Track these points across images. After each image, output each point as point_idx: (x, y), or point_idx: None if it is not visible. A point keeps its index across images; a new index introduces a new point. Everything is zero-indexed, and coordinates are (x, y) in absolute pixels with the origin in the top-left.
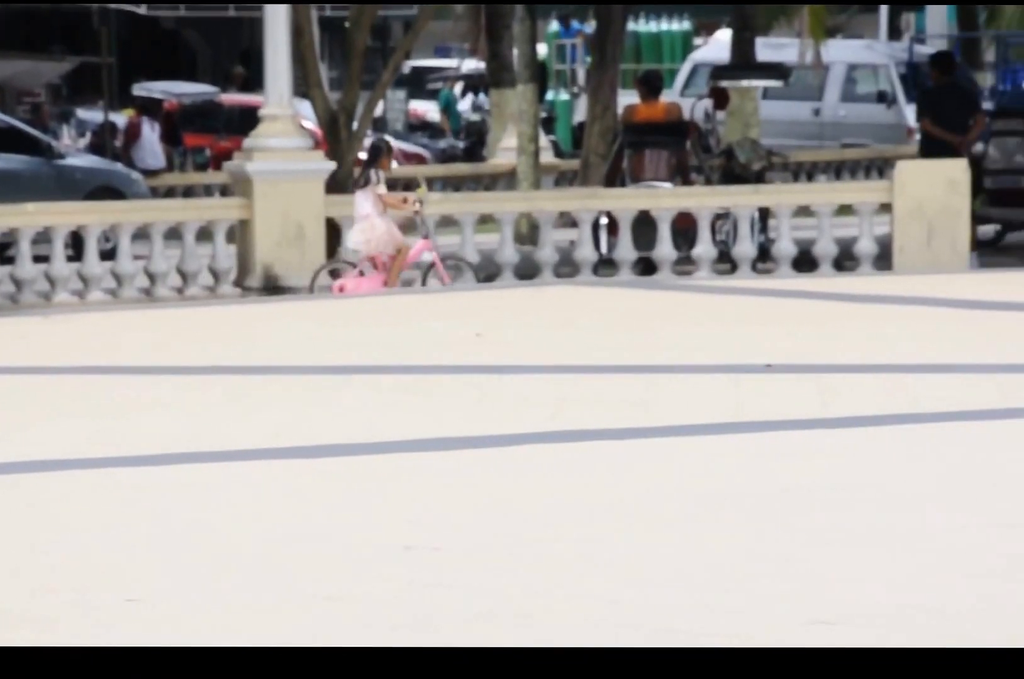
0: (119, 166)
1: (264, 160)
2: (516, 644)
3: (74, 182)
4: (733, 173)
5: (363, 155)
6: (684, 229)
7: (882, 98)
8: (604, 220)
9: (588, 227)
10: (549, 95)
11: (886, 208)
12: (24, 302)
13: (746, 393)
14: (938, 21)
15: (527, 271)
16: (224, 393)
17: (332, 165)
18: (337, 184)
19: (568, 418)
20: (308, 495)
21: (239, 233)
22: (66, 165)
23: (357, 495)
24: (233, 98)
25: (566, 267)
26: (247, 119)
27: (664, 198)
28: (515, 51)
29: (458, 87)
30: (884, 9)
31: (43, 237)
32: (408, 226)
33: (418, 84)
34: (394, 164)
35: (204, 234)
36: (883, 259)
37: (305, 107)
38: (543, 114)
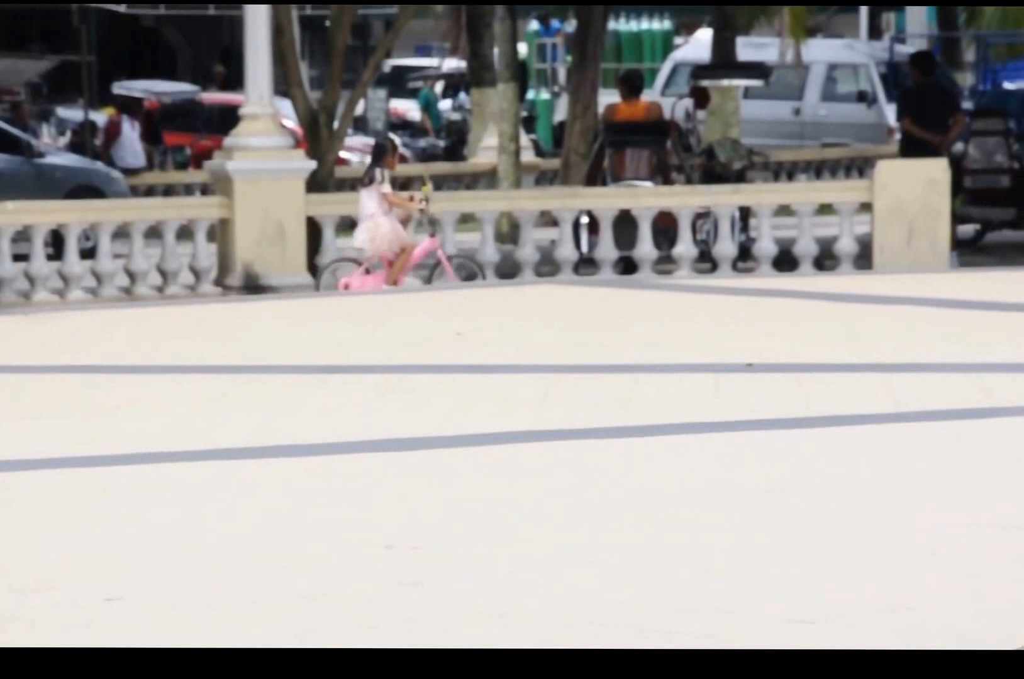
0: (99, 165)
1: (244, 159)
2: (497, 643)
3: (54, 181)
4: (714, 172)
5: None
6: (665, 228)
7: (862, 98)
8: (585, 219)
9: (569, 226)
10: (530, 94)
11: (866, 207)
12: (3, 301)
13: (727, 392)
14: (918, 21)
15: (508, 270)
16: (204, 392)
17: (312, 164)
18: (318, 183)
19: (549, 417)
20: (288, 494)
21: (219, 232)
22: (46, 164)
23: (337, 494)
24: (213, 97)
25: (547, 266)
26: (227, 118)
27: (645, 197)
28: (496, 50)
29: (439, 86)
30: (864, 9)
31: (23, 236)
32: (409, 224)
33: (399, 83)
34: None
35: (184, 233)
36: (863, 258)
37: (285, 106)
38: (524, 113)
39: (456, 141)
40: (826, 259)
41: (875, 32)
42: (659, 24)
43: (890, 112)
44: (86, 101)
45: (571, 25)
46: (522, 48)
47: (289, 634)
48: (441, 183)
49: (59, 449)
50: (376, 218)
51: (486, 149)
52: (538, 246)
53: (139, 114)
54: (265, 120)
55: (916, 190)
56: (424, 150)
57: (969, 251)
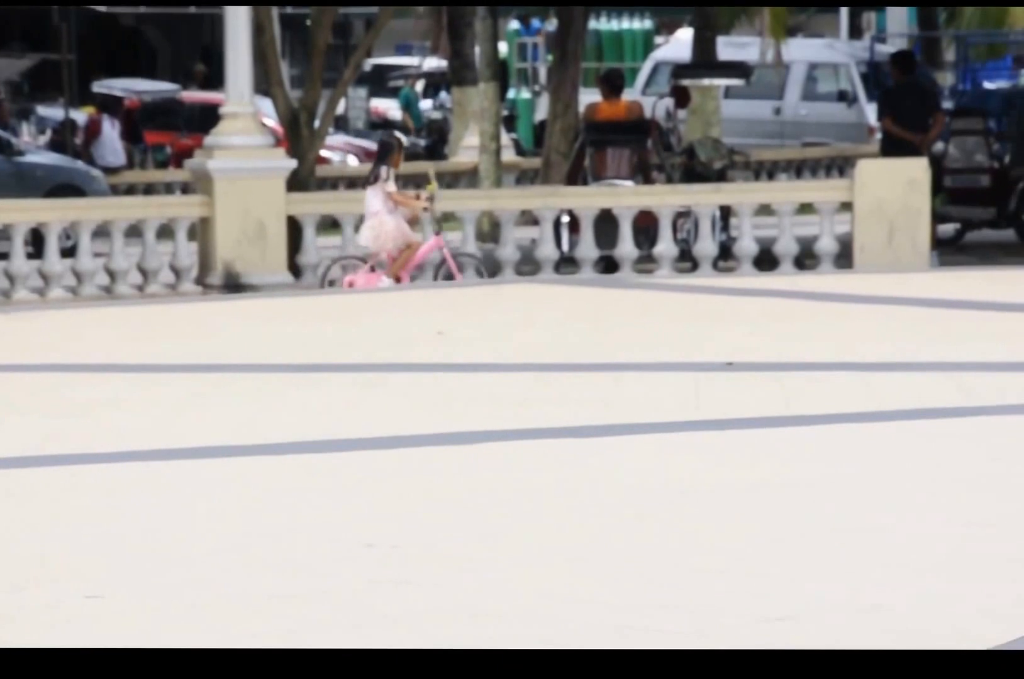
0: (79, 163)
1: (225, 158)
2: (479, 642)
3: (34, 179)
4: (694, 172)
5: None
6: (645, 227)
7: (843, 97)
8: (566, 218)
9: (549, 225)
10: (511, 93)
11: (847, 207)
12: None
13: (707, 391)
14: (898, 21)
15: (489, 269)
16: (185, 391)
17: (293, 163)
18: (298, 182)
19: (530, 416)
20: (269, 493)
21: (200, 231)
22: (26, 162)
23: (318, 493)
24: (194, 95)
25: (528, 265)
26: (208, 117)
27: (625, 196)
28: (476, 49)
29: (419, 85)
30: (845, 8)
31: (3, 234)
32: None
33: (379, 82)
34: (353, 160)
35: (165, 232)
36: (844, 257)
37: (266, 105)
38: (505, 112)
39: (437, 140)
40: (806, 258)
41: (855, 32)
42: (640, 24)
43: (870, 111)
44: (66, 100)
45: (552, 24)
46: (503, 47)
47: (270, 633)
48: (422, 182)
49: (38, 447)
50: (381, 216)
51: (467, 148)
52: (519, 245)
53: (119, 113)
54: (246, 119)
55: (896, 189)
56: (405, 149)
57: (949, 250)
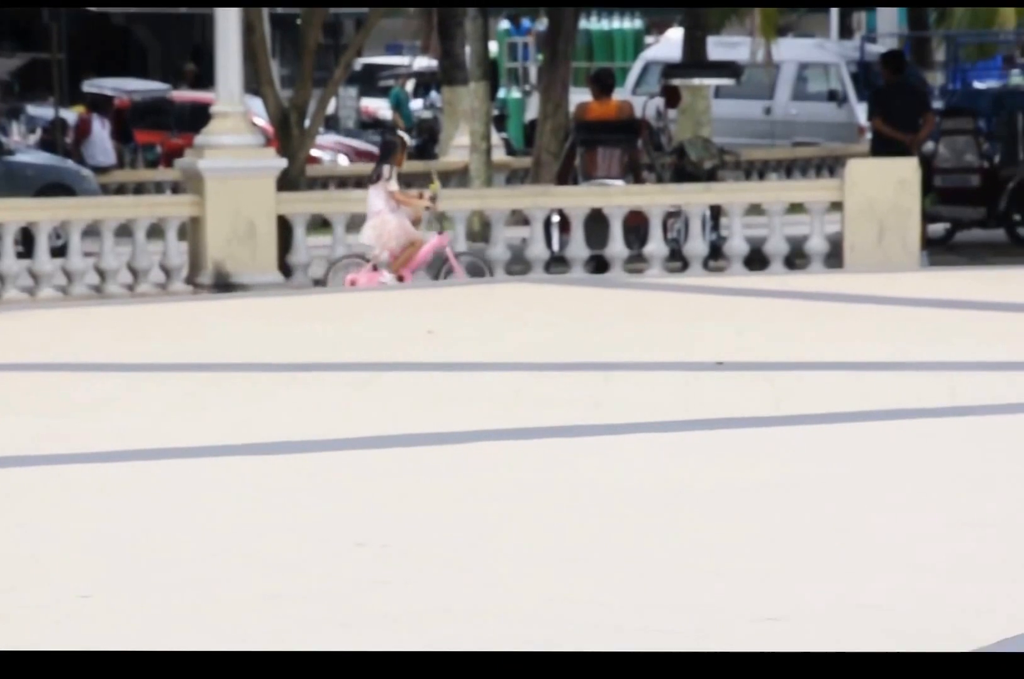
0: (69, 163)
1: (215, 157)
2: (468, 641)
3: (24, 179)
4: (685, 171)
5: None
6: (636, 227)
7: (833, 97)
8: (556, 218)
9: (540, 225)
10: (501, 93)
11: (837, 206)
12: None
13: (698, 390)
14: (889, 20)
15: (479, 268)
16: (175, 390)
17: (283, 162)
18: (289, 181)
19: (520, 415)
20: (260, 492)
21: (190, 230)
22: (16, 162)
23: (309, 492)
24: (184, 95)
25: (518, 265)
26: (198, 116)
27: (616, 196)
28: (467, 49)
29: (410, 85)
30: (835, 8)
31: None
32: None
33: (370, 81)
34: (344, 160)
35: (155, 231)
36: (834, 257)
37: (256, 104)
38: (495, 112)
39: (427, 139)
40: (797, 258)
41: (846, 31)
42: (630, 23)
43: (861, 111)
44: (56, 99)
45: (542, 24)
46: (493, 47)
47: (260, 632)
48: (412, 182)
49: (29, 447)
50: (383, 215)
51: (457, 148)
52: (509, 245)
53: (110, 112)
54: (236, 118)
55: (887, 189)
56: None
57: (939, 250)
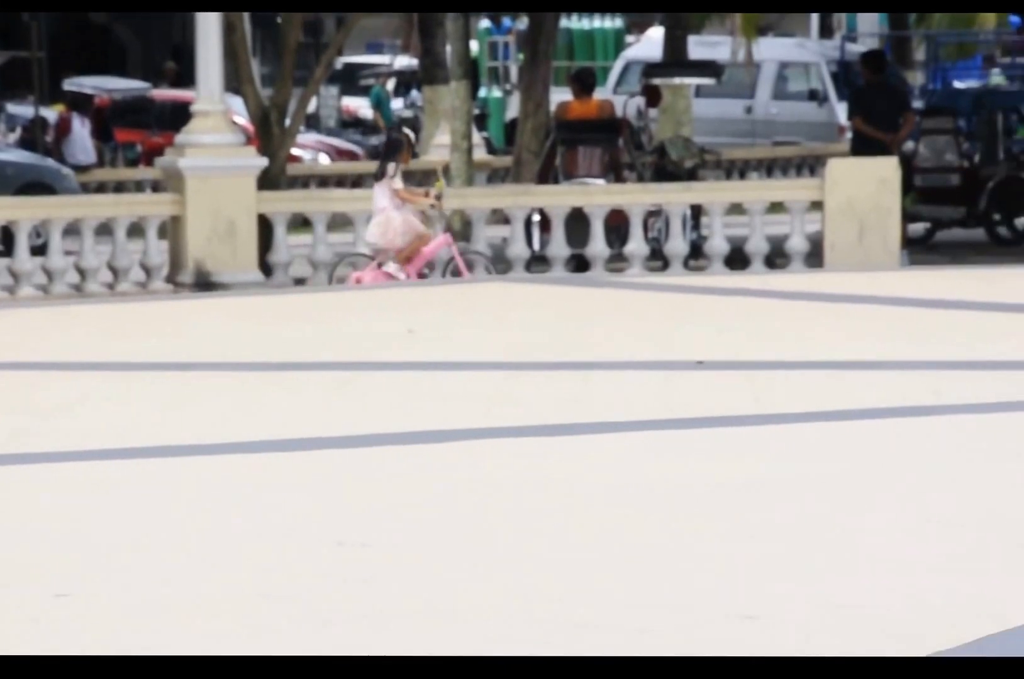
0: (49, 161)
1: (196, 156)
2: (446, 641)
3: (4, 177)
4: (665, 170)
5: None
6: (617, 226)
7: (813, 96)
8: (537, 217)
9: (521, 224)
10: (482, 92)
11: (817, 206)
12: None
13: (678, 389)
14: (869, 20)
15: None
16: (155, 389)
17: (264, 161)
18: (269, 180)
19: (501, 415)
20: (239, 491)
21: (171, 229)
22: None
23: (288, 491)
24: (164, 94)
25: (499, 264)
26: (178, 115)
27: (597, 195)
28: (448, 48)
29: (391, 83)
30: None
31: None
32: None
33: (351, 80)
34: (324, 159)
35: (135, 230)
36: (814, 256)
37: (237, 103)
38: (476, 111)
39: None
40: (777, 257)
41: (826, 31)
42: (611, 22)
43: (841, 111)
44: (36, 97)
45: (523, 23)
46: (474, 46)
47: (241, 631)
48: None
49: (7, 445)
50: (387, 212)
51: (438, 147)
52: (490, 244)
53: (90, 111)
54: (216, 117)
55: (867, 188)
56: (376, 148)
57: (919, 249)
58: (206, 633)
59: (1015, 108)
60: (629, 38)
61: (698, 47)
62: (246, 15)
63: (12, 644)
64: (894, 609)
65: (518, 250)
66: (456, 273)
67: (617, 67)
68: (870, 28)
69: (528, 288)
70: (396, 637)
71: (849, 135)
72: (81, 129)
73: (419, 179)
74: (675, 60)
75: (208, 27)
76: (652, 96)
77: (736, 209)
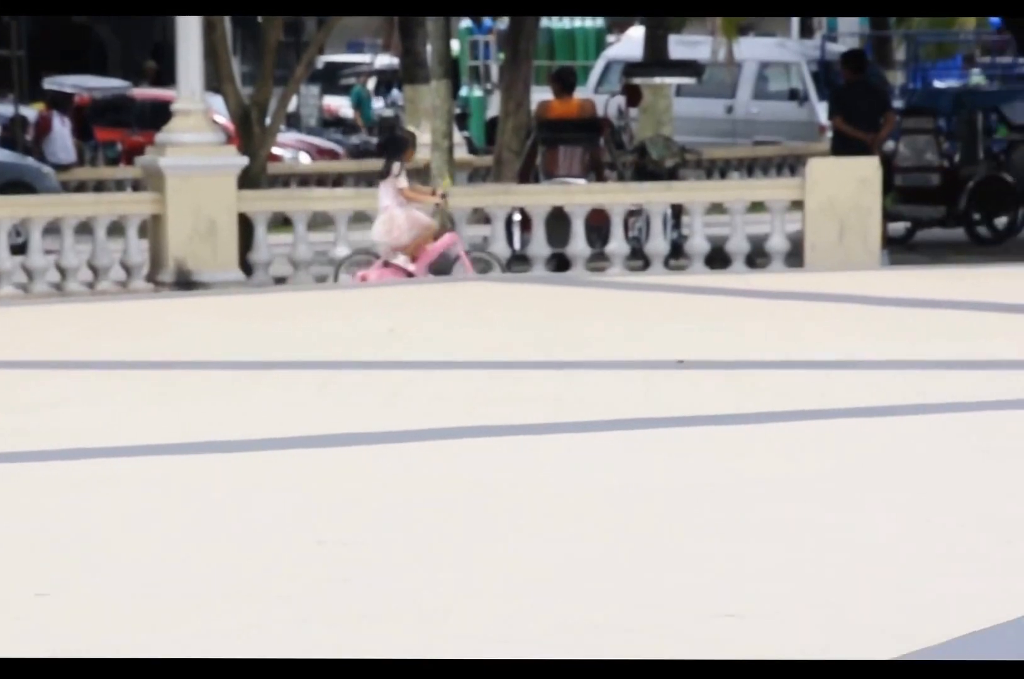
0: (30, 160)
1: (176, 155)
2: (426, 641)
3: None
4: (646, 170)
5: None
6: (597, 225)
7: (794, 96)
8: (517, 216)
9: (501, 223)
10: (463, 91)
11: (798, 205)
12: None
13: (659, 389)
14: (849, 20)
15: (440, 267)
16: (136, 388)
17: (244, 160)
18: (250, 179)
19: (482, 414)
20: (220, 490)
21: (151, 228)
22: None
23: (269, 490)
24: (145, 92)
25: (479, 263)
26: (159, 114)
27: (577, 194)
28: (428, 47)
29: (371, 83)
30: None
31: None
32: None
33: (331, 79)
34: (305, 158)
35: (116, 229)
36: (795, 256)
37: (217, 102)
38: (457, 110)
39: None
40: (758, 257)
41: (807, 31)
42: (591, 22)
43: (822, 110)
44: (16, 96)
45: (504, 23)
46: (455, 45)
47: (220, 630)
48: (373, 180)
49: None
50: (391, 211)
51: (419, 146)
52: (471, 243)
53: (70, 109)
54: (197, 116)
55: (847, 188)
56: (357, 147)
57: (899, 249)
58: (185, 633)
59: (995, 108)
60: (610, 38)
61: (679, 47)
62: None
63: None
64: (880, 607)
65: (499, 249)
66: (463, 271)
67: (598, 66)
68: (850, 28)
69: (509, 287)
70: (375, 637)
71: (830, 135)
72: (61, 128)
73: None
74: (656, 60)
75: (188, 26)
76: (633, 95)
77: (717, 208)
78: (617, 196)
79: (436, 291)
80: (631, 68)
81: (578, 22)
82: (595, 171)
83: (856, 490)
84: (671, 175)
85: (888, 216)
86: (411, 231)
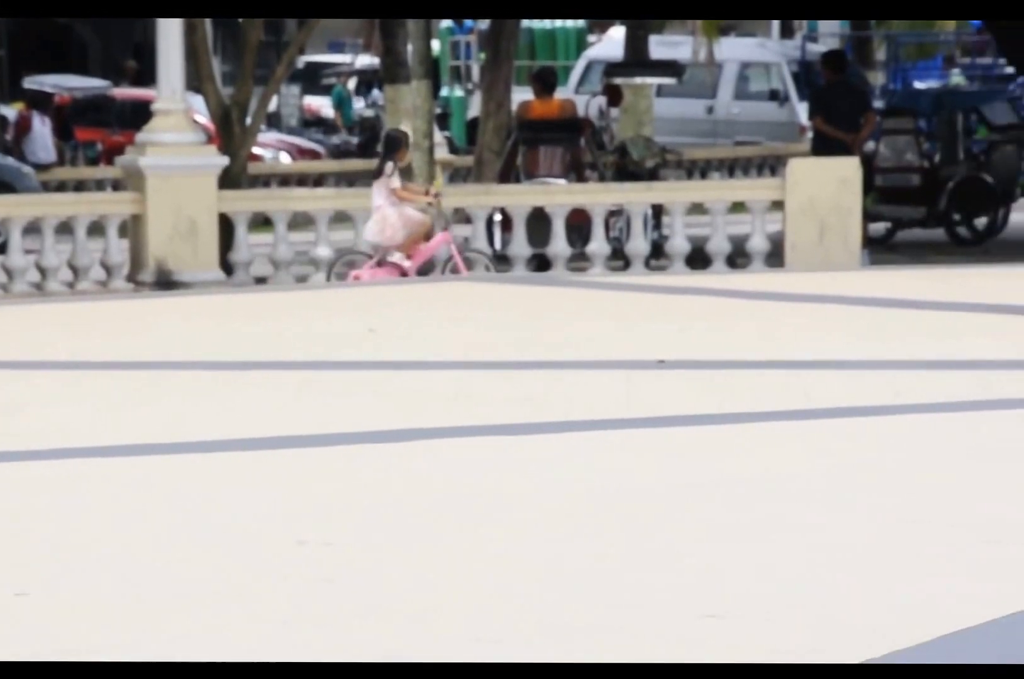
0: (10, 160)
1: (156, 155)
2: (407, 641)
3: None
4: (627, 170)
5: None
6: (578, 226)
7: (775, 96)
8: (498, 216)
9: (482, 223)
10: (443, 91)
11: (778, 205)
12: None
13: (639, 389)
14: (830, 21)
15: (420, 267)
16: (115, 388)
17: (225, 160)
18: (230, 179)
19: (462, 414)
20: (200, 490)
21: (131, 228)
22: None
23: (249, 490)
24: (125, 92)
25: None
26: (139, 113)
27: (558, 195)
28: (409, 47)
29: (352, 82)
30: None
31: None
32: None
33: (312, 79)
34: (286, 158)
35: (96, 229)
36: (775, 256)
37: (198, 101)
38: (437, 110)
39: (369, 138)
40: (738, 257)
41: (787, 31)
42: (572, 22)
43: (802, 111)
44: None
45: (484, 23)
46: (435, 45)
47: (200, 631)
48: (354, 180)
49: None
50: (383, 210)
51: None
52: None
53: (50, 109)
54: (177, 116)
55: (828, 188)
56: (338, 147)
57: (880, 249)
58: (165, 633)
59: (975, 108)
60: (591, 38)
61: (659, 47)
62: None
63: None
64: (863, 607)
65: (479, 249)
66: (455, 271)
67: (579, 67)
68: (831, 28)
69: (489, 287)
70: (357, 638)
71: (810, 135)
72: (42, 127)
73: None
74: (637, 60)
75: (169, 26)
76: (614, 96)
77: (697, 209)
78: (598, 196)
79: (417, 291)
80: (612, 68)
81: (559, 22)
82: (576, 171)
83: (839, 490)
84: (652, 175)
85: (868, 216)
86: (405, 229)
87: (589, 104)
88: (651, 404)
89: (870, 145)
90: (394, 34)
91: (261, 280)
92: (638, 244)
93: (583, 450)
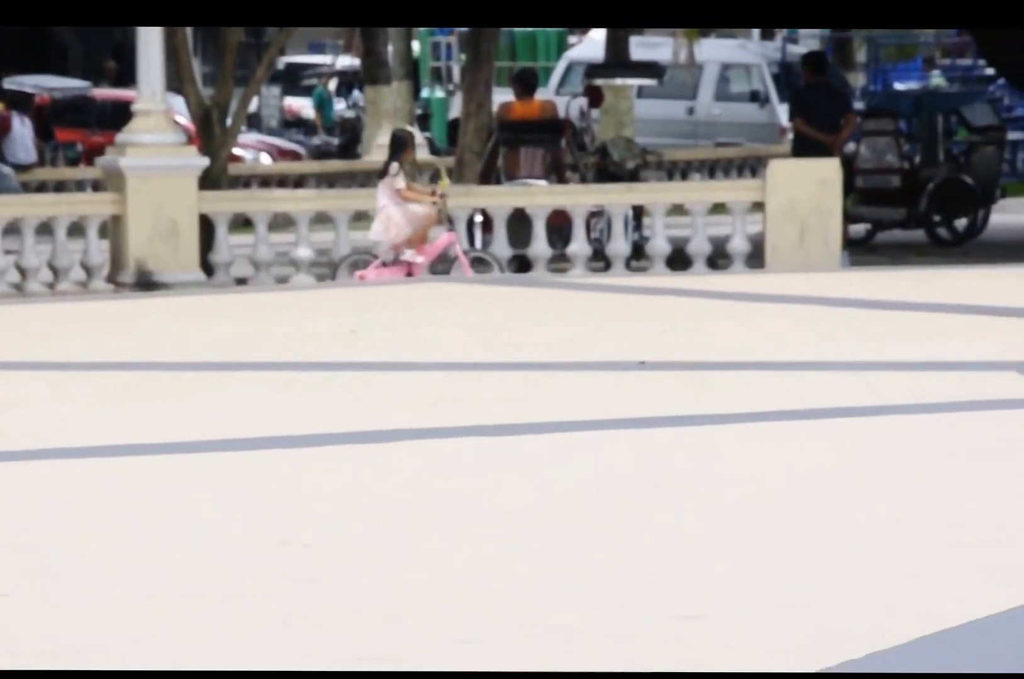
0: None
1: (137, 155)
2: (386, 642)
3: None
4: (607, 171)
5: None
6: (559, 227)
7: (755, 97)
8: (479, 217)
9: (463, 224)
10: (424, 92)
11: (759, 207)
12: None
13: (620, 390)
14: None
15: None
16: (96, 389)
17: (205, 161)
18: (211, 180)
19: (443, 415)
20: (181, 491)
21: (112, 228)
22: None
23: (230, 491)
24: (105, 93)
25: (441, 264)
26: (120, 114)
27: (539, 196)
28: (390, 48)
29: (333, 84)
30: None
31: None
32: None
33: (293, 80)
34: (266, 159)
35: (76, 229)
36: (756, 257)
37: (178, 102)
38: (418, 111)
39: (350, 139)
40: (719, 258)
41: (767, 33)
42: None
43: (782, 112)
44: None
45: None
46: (416, 46)
47: (180, 632)
48: (334, 181)
49: None
50: (387, 209)
51: (380, 147)
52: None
53: (30, 110)
54: (158, 116)
55: (808, 190)
56: (318, 148)
57: (860, 250)
58: (145, 634)
59: (955, 110)
60: (571, 39)
61: (640, 48)
62: None
63: None
64: (840, 609)
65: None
66: (460, 271)
67: (559, 68)
68: (811, 30)
69: (470, 288)
70: (339, 639)
71: (791, 136)
72: (21, 128)
73: (362, 180)
74: (617, 61)
75: (149, 27)
76: (594, 97)
77: (678, 210)
78: (578, 197)
79: (398, 292)
80: (593, 69)
81: None
82: (556, 172)
83: (820, 490)
84: (632, 176)
85: (849, 218)
86: (410, 226)
87: (570, 105)
88: (632, 405)
89: (850, 146)
90: (375, 35)
91: (241, 281)
92: (619, 245)
93: (564, 451)
